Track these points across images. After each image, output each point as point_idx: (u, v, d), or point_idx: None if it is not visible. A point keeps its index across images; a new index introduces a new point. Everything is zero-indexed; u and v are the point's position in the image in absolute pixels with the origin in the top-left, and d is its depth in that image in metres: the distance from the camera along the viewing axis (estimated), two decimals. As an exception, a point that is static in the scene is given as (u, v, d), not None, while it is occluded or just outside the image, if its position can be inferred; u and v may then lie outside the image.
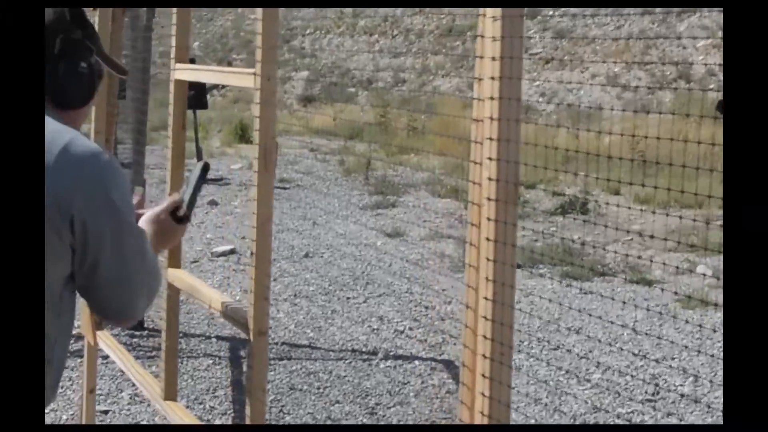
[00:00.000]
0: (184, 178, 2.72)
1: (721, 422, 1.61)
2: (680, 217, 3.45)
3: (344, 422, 4.47)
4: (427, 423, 4.49)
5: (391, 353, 5.44)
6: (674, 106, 13.98)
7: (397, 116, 15.22)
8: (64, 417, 4.42)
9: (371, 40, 21.74)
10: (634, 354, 5.32)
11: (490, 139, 1.73)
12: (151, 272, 1.87)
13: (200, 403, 4.64)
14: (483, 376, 1.78)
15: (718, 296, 6.10)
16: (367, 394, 4.82)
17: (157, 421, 4.36)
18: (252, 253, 2.31)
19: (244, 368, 5.07)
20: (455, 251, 7.73)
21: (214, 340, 5.59)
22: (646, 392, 4.87)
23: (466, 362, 1.83)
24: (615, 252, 7.11)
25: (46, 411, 1.87)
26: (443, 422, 4.48)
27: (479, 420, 1.78)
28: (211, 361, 5.23)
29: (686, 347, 5.34)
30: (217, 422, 4.45)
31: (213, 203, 9.89)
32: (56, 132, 1.71)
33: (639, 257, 5.87)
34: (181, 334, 4.33)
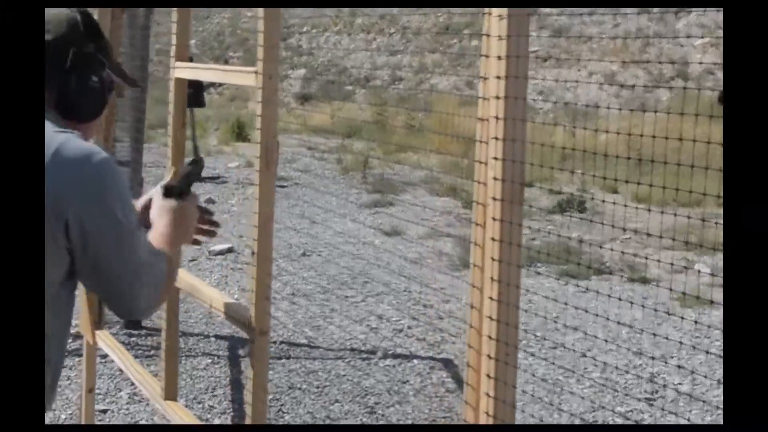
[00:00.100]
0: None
1: (721, 421, 1.61)
2: (675, 215, 3.44)
3: (343, 421, 4.46)
4: (427, 422, 4.48)
5: (390, 352, 5.43)
6: (671, 104, 13.97)
7: (395, 114, 15.19)
8: (63, 416, 4.41)
9: (368, 38, 21.71)
10: (633, 352, 5.32)
11: (496, 138, 1.72)
12: (155, 266, 1.85)
13: (199, 403, 4.63)
14: (488, 376, 1.77)
15: (716, 294, 6.10)
16: (367, 392, 4.81)
17: (156, 420, 4.34)
18: (253, 253, 2.30)
19: (243, 367, 5.06)
20: (453, 249, 7.72)
21: (212, 339, 5.57)
22: (645, 390, 4.87)
23: (471, 362, 1.82)
24: (611, 250, 7.10)
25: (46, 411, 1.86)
26: (443, 421, 4.47)
27: (484, 420, 1.77)
28: (209, 360, 5.22)
29: (686, 345, 5.34)
30: (216, 421, 4.44)
31: (210, 201, 9.87)
32: (50, 134, 1.70)
33: (635, 255, 5.86)
34: (179, 333, 4.32)
